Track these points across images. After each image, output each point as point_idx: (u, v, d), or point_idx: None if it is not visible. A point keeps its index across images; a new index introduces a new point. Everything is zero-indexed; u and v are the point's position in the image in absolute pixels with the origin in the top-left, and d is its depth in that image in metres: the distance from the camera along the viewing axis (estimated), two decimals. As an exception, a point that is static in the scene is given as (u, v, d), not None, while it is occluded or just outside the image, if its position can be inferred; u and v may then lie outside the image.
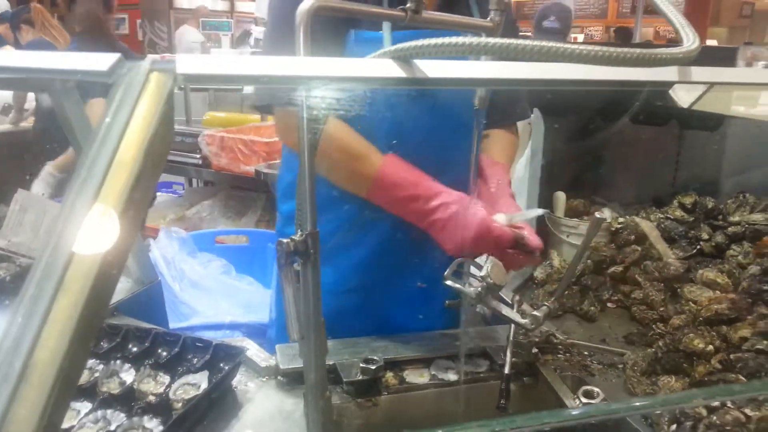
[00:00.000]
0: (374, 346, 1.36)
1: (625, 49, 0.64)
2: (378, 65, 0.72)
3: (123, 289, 1.62)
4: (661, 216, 1.93)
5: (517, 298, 1.31)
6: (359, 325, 1.42)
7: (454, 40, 0.68)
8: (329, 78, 0.68)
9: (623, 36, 9.39)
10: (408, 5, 0.94)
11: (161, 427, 1.04)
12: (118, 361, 1.21)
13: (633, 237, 1.83)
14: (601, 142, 2.03)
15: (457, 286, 1.25)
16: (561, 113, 1.94)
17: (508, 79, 0.75)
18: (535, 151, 1.99)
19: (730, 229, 1.80)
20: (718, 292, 1.53)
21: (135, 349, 1.28)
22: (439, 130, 1.37)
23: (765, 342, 1.27)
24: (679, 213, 1.93)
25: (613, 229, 1.89)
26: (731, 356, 1.26)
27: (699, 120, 1.98)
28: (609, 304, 1.70)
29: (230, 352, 1.24)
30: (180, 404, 1.10)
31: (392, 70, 0.70)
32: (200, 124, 4.27)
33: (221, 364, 1.22)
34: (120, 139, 0.54)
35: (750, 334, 1.31)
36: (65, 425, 1.04)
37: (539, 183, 1.98)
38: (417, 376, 1.29)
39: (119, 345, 1.28)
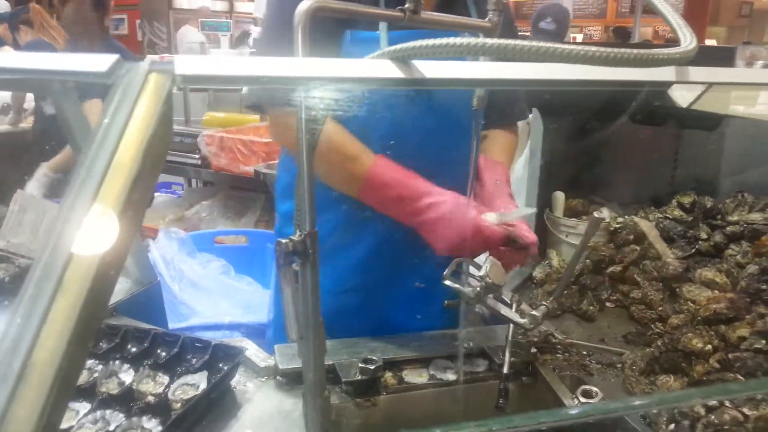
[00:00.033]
0: (373, 346, 1.36)
1: (623, 50, 0.64)
2: (376, 66, 0.72)
3: (122, 289, 1.62)
4: (660, 216, 1.94)
5: (515, 297, 1.31)
6: (358, 325, 1.43)
7: (452, 40, 0.68)
8: (328, 79, 0.68)
9: (622, 36, 9.40)
10: (407, 6, 0.95)
11: (160, 428, 1.04)
12: (117, 362, 1.22)
13: (632, 237, 1.83)
14: (600, 141, 2.04)
15: (456, 286, 1.25)
16: (560, 113, 1.94)
17: (506, 79, 0.75)
18: (534, 151, 1.99)
19: (728, 228, 1.81)
20: (716, 291, 1.53)
21: (134, 349, 1.28)
22: (438, 130, 1.37)
23: (763, 341, 1.27)
24: (677, 212, 1.93)
25: (612, 228, 1.89)
26: (730, 356, 1.26)
27: (697, 119, 1.99)
28: (608, 304, 1.70)
29: (229, 353, 1.24)
30: (179, 404, 1.11)
31: (391, 70, 0.70)
32: (199, 125, 4.27)
33: (220, 365, 1.22)
34: (119, 139, 0.55)
35: (748, 334, 1.31)
36: (64, 425, 1.04)
37: (538, 183, 1.98)
38: (416, 376, 1.29)
39: (118, 345, 1.28)
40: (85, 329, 0.47)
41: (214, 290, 2.66)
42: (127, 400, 1.12)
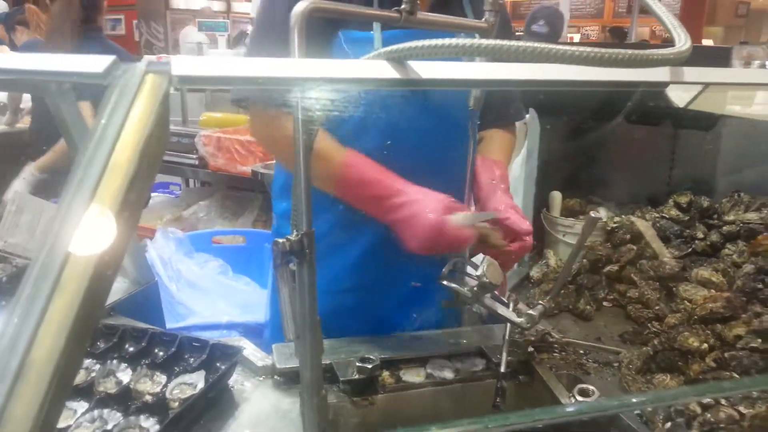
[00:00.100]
0: (370, 345, 1.36)
1: (617, 51, 0.64)
2: (373, 66, 0.72)
3: (120, 289, 1.62)
4: (657, 215, 1.94)
5: (513, 297, 1.32)
6: (355, 325, 1.43)
7: (448, 41, 0.68)
8: (324, 79, 0.68)
9: (618, 36, 9.41)
10: (403, 6, 0.95)
11: (158, 427, 1.05)
12: (115, 361, 1.22)
13: (628, 236, 1.84)
14: (597, 141, 2.04)
15: (453, 285, 1.25)
16: (557, 113, 1.95)
17: (502, 80, 0.76)
18: (531, 151, 1.99)
19: (725, 228, 1.81)
20: (713, 290, 1.53)
21: (131, 348, 1.28)
22: (434, 131, 1.37)
23: (759, 340, 1.28)
24: (674, 212, 1.93)
25: (609, 228, 1.89)
26: (726, 354, 1.26)
27: (694, 119, 1.99)
28: (604, 303, 1.71)
29: (227, 352, 1.24)
30: (176, 404, 1.11)
31: (387, 71, 0.70)
32: (197, 125, 4.27)
33: (218, 364, 1.22)
34: (115, 140, 0.55)
35: (744, 333, 1.31)
36: (62, 424, 1.04)
37: (535, 182, 1.99)
38: (413, 375, 1.30)
39: (116, 345, 1.28)
40: (83, 328, 0.48)
41: (212, 290, 2.66)
42: (125, 400, 1.12)
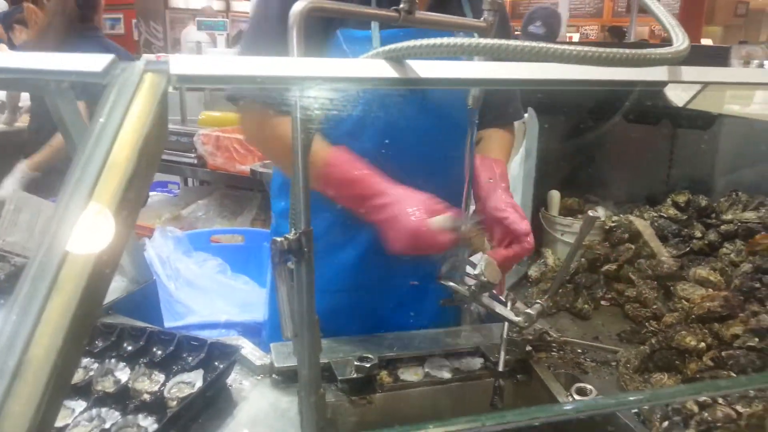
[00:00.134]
0: (368, 344, 1.36)
1: (615, 50, 0.64)
2: (371, 66, 0.72)
3: (118, 288, 1.62)
4: (655, 214, 1.95)
5: (510, 296, 1.32)
6: (354, 324, 1.43)
7: (446, 40, 0.68)
8: (323, 78, 0.68)
9: (617, 35, 9.41)
10: (401, 6, 0.95)
11: (156, 426, 1.05)
12: (113, 360, 1.22)
13: (626, 235, 1.84)
14: (595, 140, 2.04)
15: (451, 284, 1.25)
16: (555, 112, 1.95)
17: (501, 79, 0.76)
18: (530, 150, 1.99)
19: (722, 227, 1.81)
20: (710, 289, 1.54)
21: (130, 347, 1.28)
22: (433, 130, 1.37)
23: (756, 339, 1.28)
24: (672, 211, 1.94)
25: (607, 227, 1.90)
26: (723, 353, 1.27)
27: (692, 119, 1.99)
28: (602, 302, 1.71)
29: (225, 351, 1.24)
30: (175, 402, 1.11)
31: (386, 70, 0.70)
32: (195, 124, 4.27)
33: (216, 363, 1.22)
34: (114, 139, 0.55)
35: (742, 332, 1.32)
36: (60, 423, 1.04)
37: (533, 182, 1.99)
38: (411, 374, 1.30)
39: (114, 344, 1.28)
40: (80, 327, 0.48)
41: (210, 289, 2.66)
42: (123, 399, 1.12)
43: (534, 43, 0.65)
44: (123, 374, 1.19)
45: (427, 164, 1.37)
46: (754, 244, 1.64)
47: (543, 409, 0.69)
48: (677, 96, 1.81)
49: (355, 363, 1.24)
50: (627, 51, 0.66)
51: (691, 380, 1.25)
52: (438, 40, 0.68)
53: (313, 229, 0.84)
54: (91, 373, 1.18)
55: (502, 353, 1.27)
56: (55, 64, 0.67)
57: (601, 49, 0.64)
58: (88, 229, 0.51)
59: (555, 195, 2.03)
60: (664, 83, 0.77)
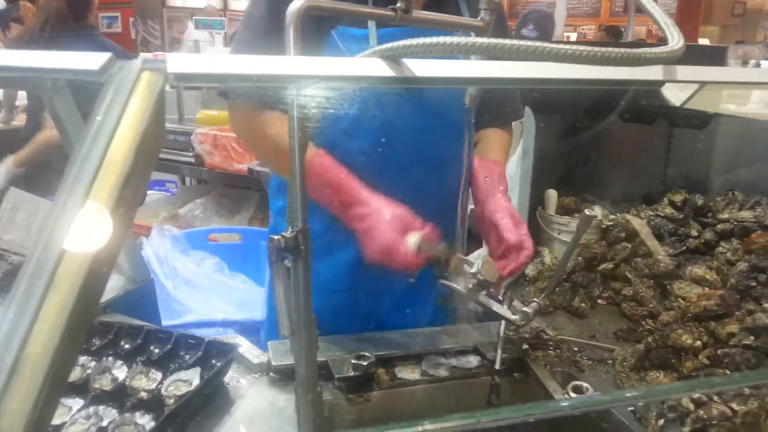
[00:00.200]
0: (366, 342, 1.36)
1: (610, 49, 0.65)
2: (368, 64, 0.72)
3: (115, 287, 1.62)
4: (651, 213, 1.95)
5: (508, 294, 1.32)
6: (351, 322, 1.43)
7: (443, 39, 0.69)
8: (320, 77, 0.68)
9: (614, 34, 9.41)
10: (398, 5, 0.95)
11: (153, 423, 1.05)
12: (110, 358, 1.22)
13: (623, 234, 1.85)
14: (593, 140, 2.05)
15: (448, 283, 1.26)
16: (553, 111, 1.95)
17: (497, 78, 0.76)
18: (527, 149, 2.00)
19: (719, 226, 1.82)
20: (706, 288, 1.54)
21: (127, 346, 1.28)
22: (430, 128, 1.37)
23: (752, 337, 1.28)
24: (668, 210, 1.94)
25: (604, 226, 1.90)
26: (719, 352, 1.27)
27: (689, 118, 2.00)
28: (599, 301, 1.72)
29: (222, 349, 1.24)
30: (172, 400, 1.11)
31: (382, 69, 0.71)
32: (193, 123, 4.27)
33: (213, 361, 1.23)
34: (111, 137, 0.55)
35: (737, 330, 1.32)
36: (57, 421, 1.04)
37: (530, 181, 1.99)
38: (408, 372, 1.30)
39: (111, 342, 1.29)
40: (78, 324, 0.48)
41: (208, 288, 2.66)
42: (120, 397, 1.12)
43: (530, 43, 0.66)
44: (120, 372, 1.19)
45: (424, 163, 1.37)
46: (750, 243, 1.65)
47: (538, 405, 0.69)
48: (674, 95, 1.81)
49: (353, 361, 1.24)
50: (622, 50, 0.66)
51: (687, 379, 1.25)
52: (435, 39, 0.68)
53: (310, 228, 0.85)
54: (89, 371, 1.18)
55: (499, 351, 1.27)
56: (52, 62, 0.67)
57: (596, 49, 0.64)
58: (85, 227, 0.51)
59: (552, 194, 2.03)
60: (660, 82, 0.77)
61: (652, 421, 1.10)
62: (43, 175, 3.13)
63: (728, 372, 1.23)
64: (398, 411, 1.26)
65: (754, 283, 1.48)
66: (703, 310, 1.40)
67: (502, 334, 1.30)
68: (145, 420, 1.06)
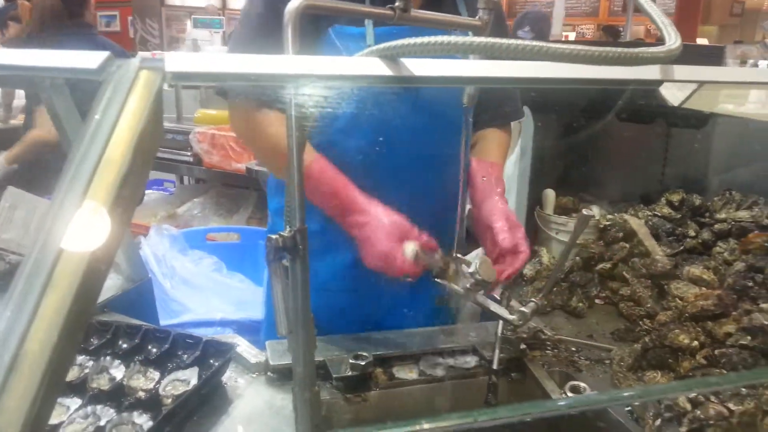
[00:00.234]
0: (364, 342, 1.37)
1: (607, 49, 0.65)
2: (366, 64, 0.72)
3: (113, 286, 1.62)
4: (649, 213, 1.95)
5: (505, 294, 1.32)
6: (349, 322, 1.43)
7: (441, 39, 0.69)
8: (318, 76, 0.68)
9: (612, 34, 9.43)
10: (397, 4, 0.95)
11: (151, 423, 1.05)
12: (108, 358, 1.22)
13: (621, 234, 1.85)
14: (591, 139, 2.05)
15: (446, 282, 1.26)
16: (551, 111, 1.96)
17: (495, 77, 0.76)
18: (525, 149, 2.00)
19: (716, 226, 1.82)
20: (704, 288, 1.54)
21: (125, 345, 1.28)
22: (428, 128, 1.37)
23: (749, 337, 1.29)
24: (666, 210, 1.95)
25: (602, 226, 1.90)
26: (716, 352, 1.27)
27: (686, 118, 2.00)
28: (597, 301, 1.72)
29: (220, 349, 1.24)
30: (170, 400, 1.11)
31: (380, 68, 0.71)
32: (191, 122, 4.26)
33: (211, 361, 1.23)
34: (109, 136, 0.55)
35: (734, 330, 1.32)
36: (55, 421, 1.04)
37: (528, 180, 2.00)
38: (406, 372, 1.30)
39: (109, 341, 1.29)
40: (75, 323, 0.48)
41: (206, 287, 2.66)
42: (118, 396, 1.12)
43: (527, 42, 0.66)
44: (118, 372, 1.19)
45: (422, 162, 1.38)
46: (747, 243, 1.65)
47: (535, 405, 0.70)
48: (673, 95, 1.82)
49: (350, 361, 1.24)
50: (619, 50, 0.66)
51: (684, 378, 1.26)
52: (432, 39, 0.69)
53: (308, 227, 0.85)
54: (87, 371, 1.18)
55: (497, 351, 1.28)
56: (51, 61, 0.67)
57: (593, 48, 0.64)
58: (83, 226, 0.51)
59: (550, 194, 2.03)
60: (658, 82, 0.77)
61: (649, 421, 1.10)
62: (42, 174, 3.13)
63: (725, 372, 1.23)
64: (396, 411, 1.26)
65: (751, 283, 1.48)
66: (700, 310, 1.41)
67: (499, 334, 1.30)
68: (143, 419, 1.06)
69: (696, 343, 1.31)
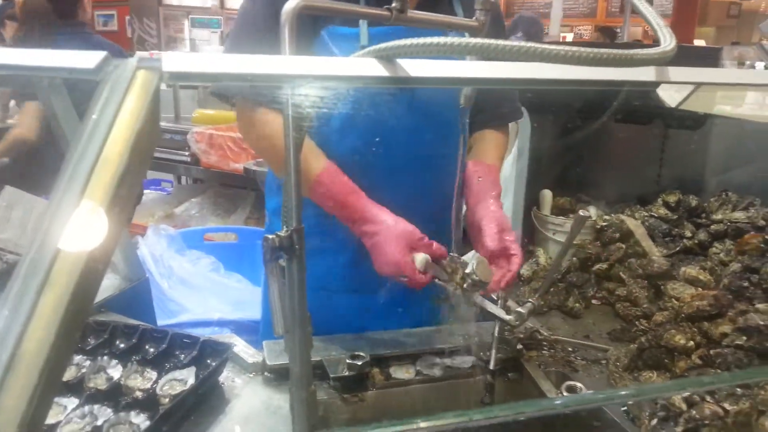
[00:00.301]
0: (361, 342, 1.37)
1: (602, 50, 0.65)
2: (363, 64, 0.73)
3: (111, 286, 1.62)
4: (646, 214, 1.96)
5: (502, 294, 1.33)
6: (345, 322, 1.43)
7: (437, 40, 0.69)
8: (314, 77, 0.69)
9: (609, 35, 9.44)
10: (393, 5, 0.95)
11: (148, 422, 1.05)
12: (105, 357, 1.22)
13: (618, 235, 1.85)
14: (587, 140, 2.05)
15: (443, 283, 1.26)
16: (548, 112, 1.96)
17: (491, 78, 0.76)
18: (522, 150, 2.00)
19: (712, 226, 1.83)
20: (700, 288, 1.55)
21: (122, 345, 1.28)
22: (424, 128, 1.37)
23: (744, 338, 1.29)
24: (663, 211, 1.95)
25: (598, 226, 1.91)
26: (711, 352, 1.28)
27: (683, 119, 2.01)
28: (593, 301, 1.72)
29: (217, 348, 1.24)
30: (167, 400, 1.11)
31: (377, 69, 0.71)
32: (189, 122, 4.26)
33: (208, 360, 1.23)
34: (106, 135, 0.55)
35: (730, 330, 1.33)
36: (52, 420, 1.04)
37: (526, 181, 2.00)
38: (403, 372, 1.31)
39: (106, 341, 1.29)
40: (72, 322, 0.48)
41: (204, 287, 2.66)
42: (115, 396, 1.12)
43: (523, 43, 0.66)
44: (115, 371, 1.19)
45: (418, 163, 1.38)
46: (743, 244, 1.66)
47: (530, 404, 0.70)
48: (670, 96, 1.82)
49: (348, 361, 1.24)
50: (613, 51, 0.66)
51: (679, 378, 1.26)
52: (429, 40, 0.69)
53: (304, 227, 0.85)
54: (84, 371, 1.18)
55: (494, 351, 1.28)
56: (48, 60, 0.67)
57: (588, 49, 0.65)
58: (80, 225, 0.51)
59: (547, 194, 2.04)
60: (654, 84, 0.77)
61: (645, 421, 1.10)
62: (41, 173, 3.12)
63: (720, 372, 1.24)
64: (393, 410, 1.26)
65: (746, 284, 1.48)
66: (696, 311, 1.41)
67: (496, 334, 1.30)
68: (140, 419, 1.06)
69: (692, 343, 1.32)
